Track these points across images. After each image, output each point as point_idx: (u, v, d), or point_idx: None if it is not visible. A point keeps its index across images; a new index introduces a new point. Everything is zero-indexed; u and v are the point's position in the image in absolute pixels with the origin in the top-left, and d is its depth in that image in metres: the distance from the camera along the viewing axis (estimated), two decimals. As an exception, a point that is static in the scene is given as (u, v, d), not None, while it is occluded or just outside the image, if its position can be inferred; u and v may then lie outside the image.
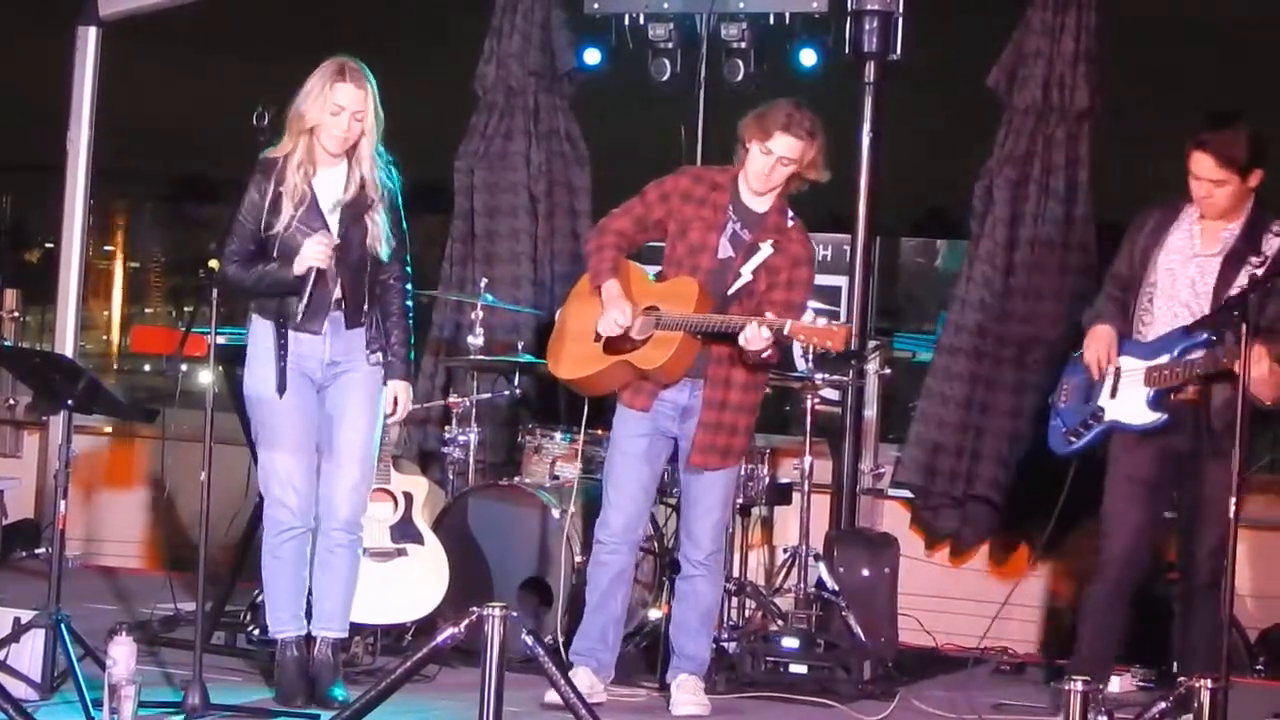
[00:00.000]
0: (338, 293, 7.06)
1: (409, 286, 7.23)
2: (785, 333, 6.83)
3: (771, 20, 9.48)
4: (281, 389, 7.02)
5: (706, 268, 7.08)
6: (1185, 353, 6.96)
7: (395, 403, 7.17)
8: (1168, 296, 7.07)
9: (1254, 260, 6.95)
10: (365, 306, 7.09)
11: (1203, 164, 6.97)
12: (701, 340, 7.02)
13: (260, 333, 7.10)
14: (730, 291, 7.07)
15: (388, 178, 7.13)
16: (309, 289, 6.97)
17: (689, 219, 7.14)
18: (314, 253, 6.96)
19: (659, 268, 7.25)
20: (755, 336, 6.82)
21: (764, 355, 6.94)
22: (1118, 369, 7.12)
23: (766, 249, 7.08)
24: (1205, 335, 6.92)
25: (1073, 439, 7.25)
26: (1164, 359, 7.01)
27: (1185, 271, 7.06)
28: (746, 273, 7.07)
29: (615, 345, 7.13)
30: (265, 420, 7.12)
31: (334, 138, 7.01)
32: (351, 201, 7.06)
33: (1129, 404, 7.09)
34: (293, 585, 7.20)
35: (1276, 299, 6.87)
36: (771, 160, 7.04)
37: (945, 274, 10.80)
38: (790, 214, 7.19)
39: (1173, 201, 7.20)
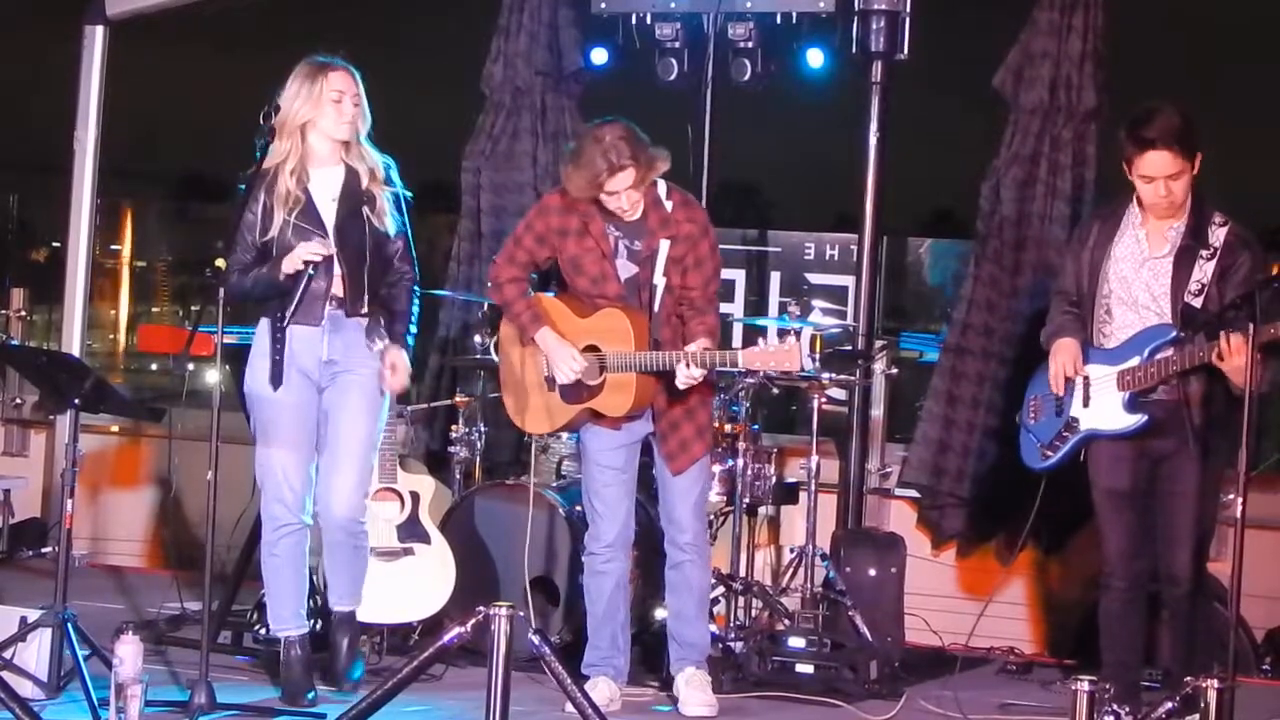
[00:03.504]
0: (337, 288, 7.08)
1: (416, 286, 7.25)
2: (740, 366, 6.85)
3: (779, 20, 9.46)
4: (275, 382, 7.06)
5: (615, 294, 7.06)
6: (1155, 353, 6.93)
7: (394, 370, 7.15)
8: (1126, 303, 7.02)
9: (1205, 254, 6.91)
10: (366, 297, 7.11)
11: (1156, 162, 6.85)
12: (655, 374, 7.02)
13: (262, 331, 7.14)
14: (656, 307, 7.05)
15: (389, 178, 7.15)
16: (300, 287, 7.00)
17: (576, 254, 7.09)
18: (306, 250, 6.99)
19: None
20: (688, 379, 6.85)
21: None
22: (1086, 378, 7.08)
23: (664, 246, 7.03)
24: (1173, 334, 6.90)
25: (1049, 453, 7.21)
26: (1134, 361, 6.97)
27: (1139, 276, 7.01)
28: (659, 278, 7.04)
29: (573, 393, 7.12)
30: (262, 416, 7.17)
31: (340, 125, 7.07)
32: (348, 195, 7.08)
33: (1104, 410, 7.05)
34: (292, 583, 7.21)
35: (1236, 289, 6.83)
36: (619, 197, 6.96)
37: (936, 275, 10.82)
38: (664, 194, 7.09)
39: (1110, 209, 7.17)
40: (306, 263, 6.98)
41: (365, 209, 7.09)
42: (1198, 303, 6.88)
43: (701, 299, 7.08)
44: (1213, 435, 6.93)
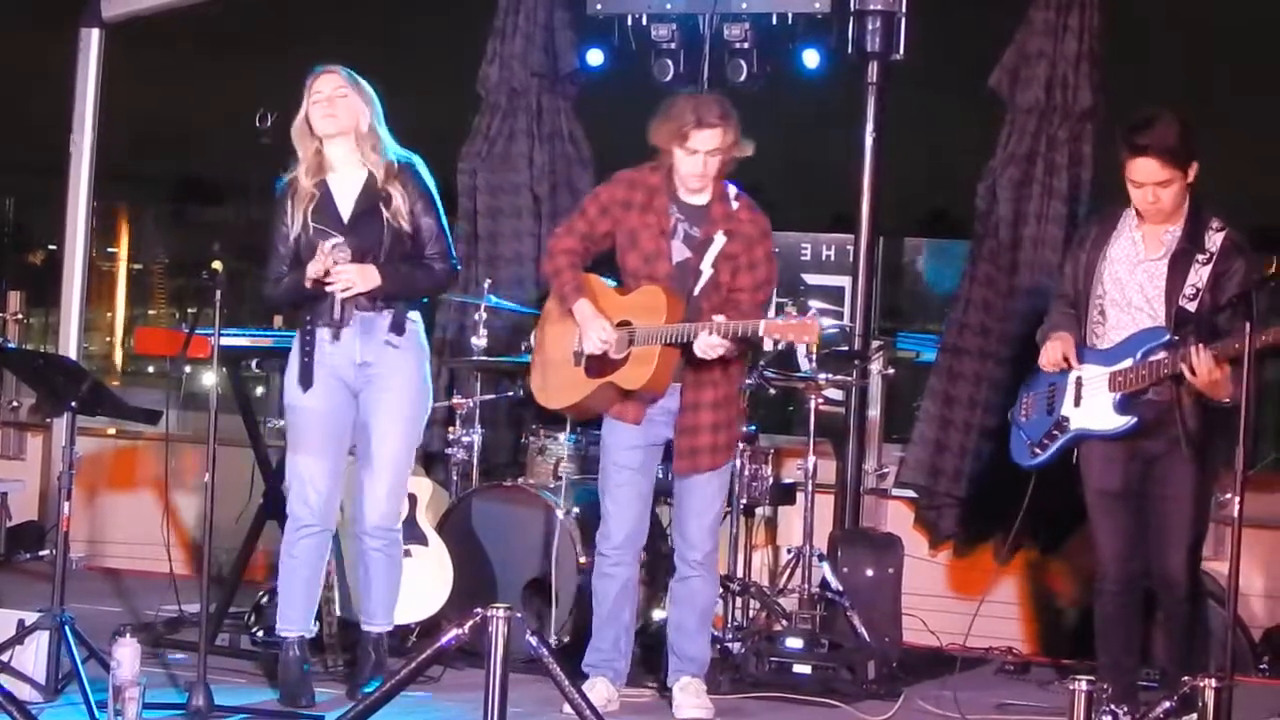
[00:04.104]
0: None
1: (436, 269, 7.22)
2: (760, 334, 6.82)
3: (774, 20, 9.47)
4: (304, 384, 7.11)
5: (665, 273, 7.05)
6: (1148, 355, 6.92)
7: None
8: (1120, 304, 7.01)
9: (1200, 258, 6.90)
10: (381, 296, 7.13)
11: (1145, 169, 6.85)
12: (680, 347, 7.00)
13: (297, 336, 7.21)
14: (696, 291, 7.04)
15: (413, 173, 7.19)
16: (339, 300, 7.07)
17: (635, 228, 7.10)
18: (324, 253, 7.05)
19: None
20: (708, 346, 6.82)
21: (734, 354, 6.96)
22: (1079, 378, 7.09)
23: (719, 240, 7.03)
24: (1167, 336, 6.89)
25: (1038, 451, 7.20)
26: (1127, 363, 6.96)
27: (1133, 278, 7.00)
28: (706, 268, 7.03)
29: (596, 367, 7.11)
30: (292, 422, 7.25)
31: (323, 121, 7.14)
32: (365, 195, 7.12)
33: (1095, 410, 7.03)
34: (305, 585, 7.23)
35: (1230, 295, 6.84)
36: (699, 158, 6.98)
37: (932, 275, 10.82)
38: (733, 194, 7.13)
39: (1110, 211, 7.17)
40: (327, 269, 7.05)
41: (382, 207, 7.13)
42: (1192, 307, 6.88)
43: (749, 303, 7.05)
44: (1206, 437, 6.93)
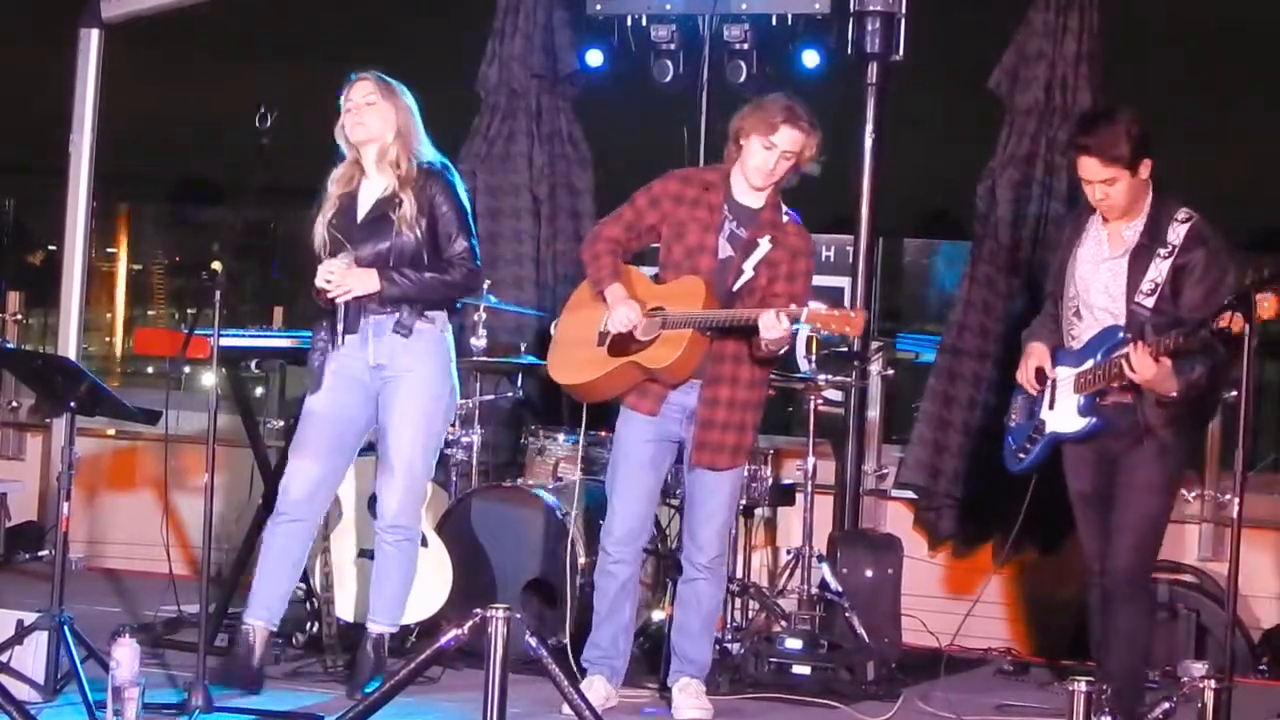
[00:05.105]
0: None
1: (464, 272, 7.23)
2: (802, 320, 6.79)
3: (774, 21, 9.47)
4: (314, 387, 7.20)
5: (707, 268, 7.04)
6: (1108, 354, 6.91)
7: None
8: (1088, 305, 7.01)
9: (1162, 252, 6.87)
10: (386, 300, 7.15)
11: (1089, 168, 6.86)
12: (710, 338, 7.00)
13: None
14: (734, 289, 7.03)
15: (438, 177, 7.22)
16: (343, 308, 7.14)
17: (683, 221, 7.10)
18: (324, 269, 7.14)
19: (656, 269, 7.26)
20: (774, 324, 6.76)
21: (779, 349, 6.93)
22: (1053, 381, 7.09)
23: (765, 244, 7.04)
24: (1122, 335, 6.88)
25: (1021, 456, 7.19)
26: (1090, 364, 6.97)
27: (1097, 278, 6.99)
28: (748, 269, 7.02)
29: (620, 348, 7.09)
30: (300, 422, 7.30)
31: (353, 129, 7.18)
32: (381, 200, 7.17)
33: (1064, 413, 7.03)
34: (272, 573, 7.27)
35: (1192, 288, 6.84)
36: (774, 154, 7.00)
37: (944, 274, 10.81)
38: (784, 209, 7.16)
39: (1080, 211, 7.17)
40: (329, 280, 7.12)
41: (391, 213, 7.15)
42: (1150, 302, 6.85)
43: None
44: (1169, 433, 6.92)
